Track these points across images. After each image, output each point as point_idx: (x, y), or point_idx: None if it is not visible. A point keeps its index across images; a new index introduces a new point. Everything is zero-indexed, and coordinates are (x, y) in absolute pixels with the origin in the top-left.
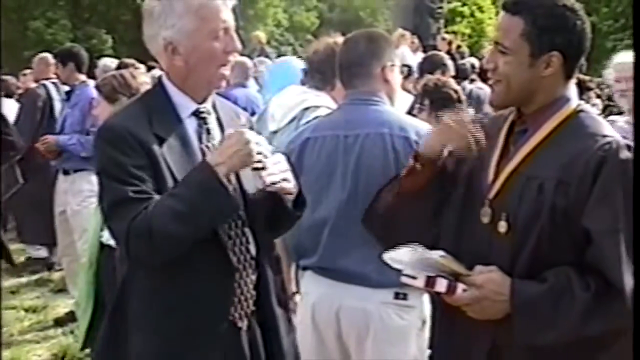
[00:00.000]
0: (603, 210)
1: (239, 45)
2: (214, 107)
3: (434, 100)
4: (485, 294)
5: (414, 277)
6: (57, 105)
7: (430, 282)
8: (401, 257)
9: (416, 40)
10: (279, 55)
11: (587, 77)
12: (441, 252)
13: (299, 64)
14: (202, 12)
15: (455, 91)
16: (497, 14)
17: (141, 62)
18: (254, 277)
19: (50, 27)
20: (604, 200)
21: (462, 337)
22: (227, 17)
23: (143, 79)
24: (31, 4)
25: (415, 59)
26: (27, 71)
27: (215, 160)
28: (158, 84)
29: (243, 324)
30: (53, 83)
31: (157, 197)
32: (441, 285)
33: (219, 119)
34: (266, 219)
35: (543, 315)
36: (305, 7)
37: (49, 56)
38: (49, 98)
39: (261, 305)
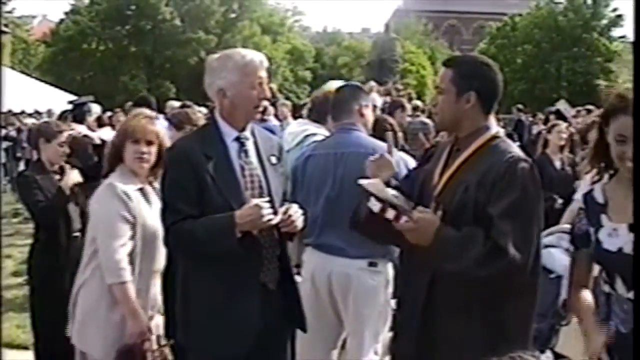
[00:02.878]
0: (500, 202)
1: (269, 94)
2: (252, 133)
3: None
4: (418, 227)
5: (374, 205)
6: None
7: (383, 209)
8: (371, 188)
9: (381, 89)
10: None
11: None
12: (396, 192)
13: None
14: (246, 69)
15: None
16: (434, 72)
17: (195, 103)
18: (278, 252)
19: (133, 80)
20: (502, 195)
21: (414, 269)
22: (263, 74)
23: (198, 114)
24: (122, 65)
25: (380, 101)
26: (117, 109)
27: (238, 215)
28: (211, 117)
29: (272, 286)
30: None
31: (194, 211)
32: (390, 213)
33: (256, 143)
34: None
35: (451, 252)
36: (304, 67)
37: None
38: None
39: (285, 270)
